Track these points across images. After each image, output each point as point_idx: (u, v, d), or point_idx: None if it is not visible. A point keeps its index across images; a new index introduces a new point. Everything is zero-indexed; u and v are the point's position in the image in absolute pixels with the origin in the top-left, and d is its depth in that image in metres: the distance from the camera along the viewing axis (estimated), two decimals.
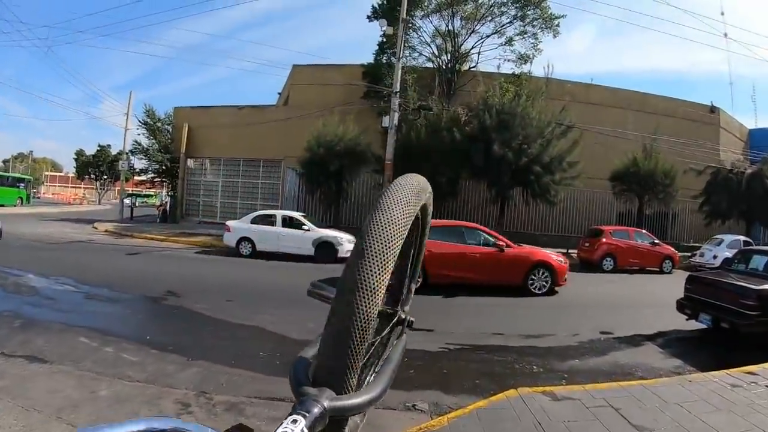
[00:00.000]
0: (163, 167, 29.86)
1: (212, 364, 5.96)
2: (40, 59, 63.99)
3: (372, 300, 0.82)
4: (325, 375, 0.82)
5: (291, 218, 17.71)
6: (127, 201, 31.65)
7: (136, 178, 33.58)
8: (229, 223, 18.15)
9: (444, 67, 26.14)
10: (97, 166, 52.38)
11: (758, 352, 7.59)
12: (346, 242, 16.90)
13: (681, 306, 9.55)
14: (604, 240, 19.06)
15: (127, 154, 30.84)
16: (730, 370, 6.35)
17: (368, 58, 25.94)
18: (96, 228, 23.15)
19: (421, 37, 27.16)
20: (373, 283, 0.82)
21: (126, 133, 31.12)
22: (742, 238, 22.31)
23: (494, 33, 27.12)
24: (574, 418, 4.57)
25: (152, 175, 31.55)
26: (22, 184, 39.44)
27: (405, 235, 0.92)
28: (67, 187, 65.63)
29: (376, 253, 0.84)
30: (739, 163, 26.25)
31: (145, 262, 14.71)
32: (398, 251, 0.88)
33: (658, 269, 19.52)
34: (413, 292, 1.48)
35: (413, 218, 0.98)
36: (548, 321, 9.94)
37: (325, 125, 20.35)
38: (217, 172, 29.10)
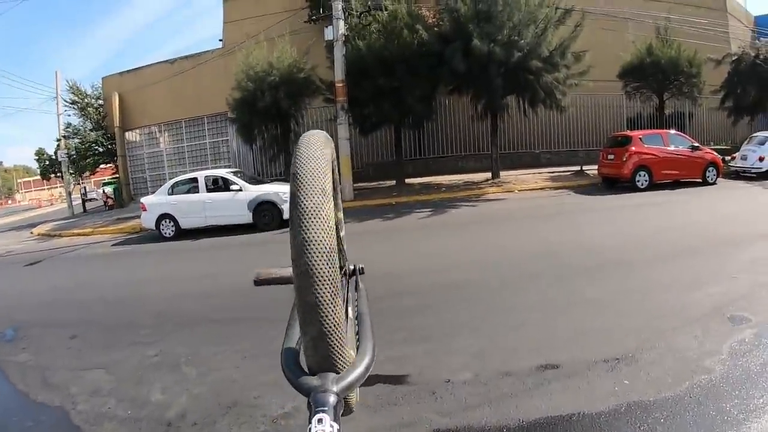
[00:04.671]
0: (101, 147, 24.10)
1: None
2: None
3: (330, 258, 0.69)
4: (319, 358, 0.71)
5: (219, 179, 12.35)
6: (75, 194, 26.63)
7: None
8: (144, 199, 12.98)
9: None
10: (60, 163, 44.69)
11: None
12: None
13: None
14: (634, 149, 13.53)
15: (61, 140, 24.95)
16: None
17: None
18: (32, 233, 17.83)
19: None
20: (326, 241, 0.70)
21: (59, 119, 25.28)
22: None
23: None
24: None
25: (94, 158, 25.72)
26: None
27: (331, 181, 0.79)
28: (43, 189, 59.43)
29: (314, 207, 0.71)
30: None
31: (22, 276, 9.68)
32: (332, 199, 0.76)
33: (700, 180, 14.06)
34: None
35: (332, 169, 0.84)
36: (638, 295, 4.91)
37: (252, 53, 14.46)
38: (160, 140, 23.23)
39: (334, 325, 0.70)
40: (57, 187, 55.46)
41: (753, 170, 15.19)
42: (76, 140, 24.92)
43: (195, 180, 12.34)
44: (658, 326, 4.05)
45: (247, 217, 11.64)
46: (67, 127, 24.72)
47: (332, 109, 15.16)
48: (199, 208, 11.91)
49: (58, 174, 47.89)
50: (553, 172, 17.17)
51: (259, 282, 1.09)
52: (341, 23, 13.80)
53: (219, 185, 12.20)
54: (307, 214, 0.70)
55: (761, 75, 19.12)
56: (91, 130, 24.09)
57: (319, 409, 0.60)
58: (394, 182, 16.22)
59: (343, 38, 13.83)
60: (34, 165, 45.78)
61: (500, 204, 12.46)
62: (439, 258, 7.26)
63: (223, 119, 20.45)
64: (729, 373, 3.18)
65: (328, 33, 14.13)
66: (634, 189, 13.22)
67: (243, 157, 20.30)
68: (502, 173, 16.10)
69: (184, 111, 21.62)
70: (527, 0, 13.61)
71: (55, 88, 25.16)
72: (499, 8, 13.15)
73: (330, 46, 14.31)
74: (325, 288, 0.68)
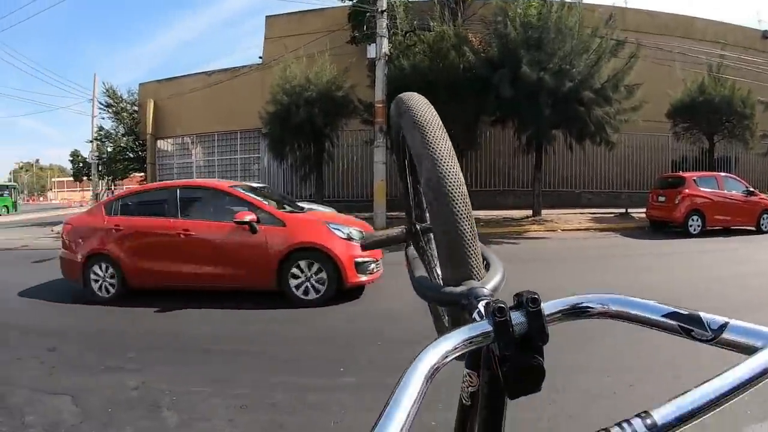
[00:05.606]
0: (132, 153, 23.92)
1: None
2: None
3: (465, 196, 0.73)
4: (459, 270, 0.73)
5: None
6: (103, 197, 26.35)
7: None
8: None
9: None
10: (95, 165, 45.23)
11: None
12: None
13: None
14: (688, 191, 12.48)
15: (92, 142, 24.82)
16: None
17: None
18: (52, 230, 17.21)
19: None
20: (459, 181, 0.73)
21: (93, 121, 25.27)
22: None
23: None
24: None
25: (125, 163, 25.65)
26: (6, 192, 33.39)
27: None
28: (75, 191, 60.12)
29: (446, 151, 0.74)
30: None
31: (25, 273, 8.73)
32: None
33: (754, 227, 12.92)
34: None
35: None
36: None
37: (290, 67, 13.87)
38: (191, 151, 22.76)
39: (475, 249, 0.72)
40: (89, 190, 55.92)
41: None
42: (109, 144, 24.81)
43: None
44: None
45: None
46: (99, 131, 24.61)
47: (369, 132, 14.43)
48: None
49: (90, 177, 48.33)
50: (595, 213, 16.13)
51: (367, 245, 1.10)
52: (385, 41, 13.11)
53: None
54: (442, 158, 0.72)
55: None
56: (123, 135, 23.92)
57: (482, 297, 0.62)
58: None
59: (386, 57, 13.12)
60: (69, 166, 46.13)
61: (544, 243, 11.47)
62: None
63: (256, 135, 19.91)
64: None
65: (371, 51, 13.52)
66: (686, 234, 12.15)
67: (273, 175, 19.73)
68: (543, 211, 15.07)
69: (217, 124, 21.13)
70: (579, 28, 12.85)
71: (93, 90, 25.23)
72: (551, 35, 12.41)
73: (372, 64, 13.66)
74: (465, 220, 0.71)
